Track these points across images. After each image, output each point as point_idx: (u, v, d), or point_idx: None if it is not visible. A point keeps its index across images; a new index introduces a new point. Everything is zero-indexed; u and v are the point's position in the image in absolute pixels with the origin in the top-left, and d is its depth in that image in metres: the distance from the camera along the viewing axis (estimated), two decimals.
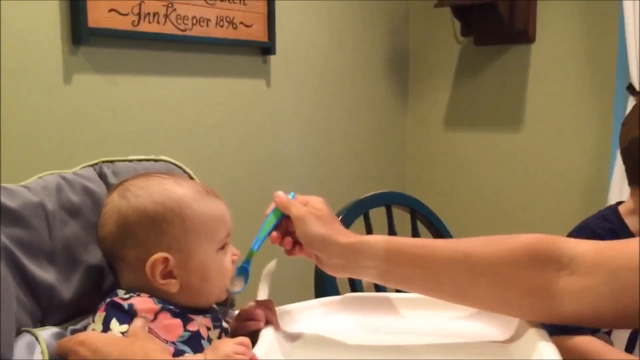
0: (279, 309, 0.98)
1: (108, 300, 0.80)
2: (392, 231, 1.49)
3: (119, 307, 0.78)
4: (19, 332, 0.75)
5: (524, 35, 2.52)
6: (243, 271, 0.91)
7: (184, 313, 0.83)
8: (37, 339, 0.72)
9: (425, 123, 2.85)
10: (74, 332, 0.82)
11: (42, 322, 0.81)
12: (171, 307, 0.82)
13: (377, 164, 2.78)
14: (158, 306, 0.80)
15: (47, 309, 0.82)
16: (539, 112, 2.57)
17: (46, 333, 0.78)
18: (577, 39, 2.45)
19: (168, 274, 0.82)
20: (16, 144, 1.67)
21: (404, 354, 0.89)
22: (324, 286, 1.25)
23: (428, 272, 0.87)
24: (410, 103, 2.90)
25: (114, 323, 0.76)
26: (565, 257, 0.80)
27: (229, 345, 0.74)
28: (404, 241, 0.90)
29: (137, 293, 0.81)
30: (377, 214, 1.48)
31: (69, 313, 0.84)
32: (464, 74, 2.72)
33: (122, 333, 0.75)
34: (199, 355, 0.75)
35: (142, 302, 0.80)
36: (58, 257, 0.84)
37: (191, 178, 1.00)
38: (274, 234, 0.93)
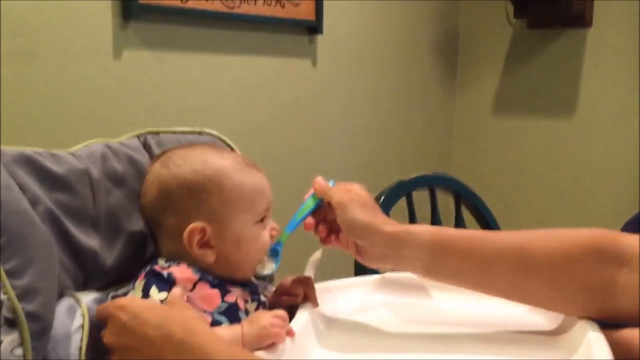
0: (318, 286, 0.97)
1: (148, 268, 0.81)
2: (435, 215, 1.47)
3: (158, 275, 0.79)
4: (61, 295, 0.76)
5: (580, 19, 2.43)
6: (274, 253, 0.90)
7: (222, 284, 0.83)
8: (78, 302, 0.72)
9: (473, 107, 2.79)
10: (114, 298, 0.83)
11: (84, 287, 0.82)
12: (209, 277, 0.82)
13: (422, 148, 2.74)
14: (196, 276, 0.81)
15: (90, 274, 0.83)
16: (592, 99, 2.49)
17: (87, 297, 0.79)
18: (635, 24, 2.35)
19: (205, 244, 0.83)
20: (66, 116, 1.70)
21: (443, 345, 0.85)
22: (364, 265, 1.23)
23: (478, 266, 0.82)
24: (458, 86, 2.84)
25: (153, 290, 0.77)
26: (627, 254, 0.77)
27: (266, 317, 0.74)
28: (453, 232, 0.85)
29: (176, 262, 0.82)
30: (420, 198, 1.46)
31: (111, 279, 0.85)
32: (516, 57, 2.65)
33: (161, 300, 0.75)
34: (236, 326, 0.75)
35: (181, 272, 0.80)
36: (102, 224, 0.85)
37: (233, 151, 1.00)
38: (310, 219, 0.91)
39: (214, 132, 1.01)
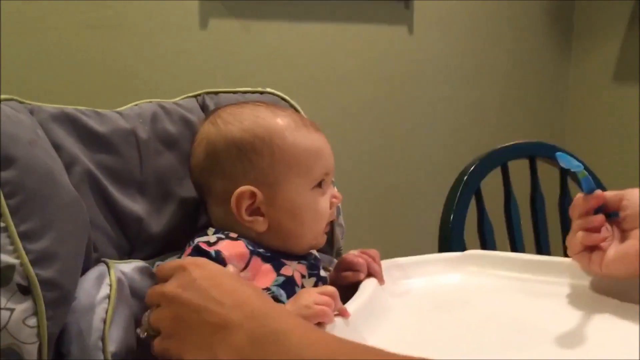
0: (388, 262, 0.87)
1: (196, 242, 0.73)
2: (535, 189, 1.31)
3: (205, 254, 0.70)
4: (98, 263, 0.71)
5: None
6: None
7: (275, 257, 0.75)
8: (108, 270, 0.66)
9: (590, 75, 2.54)
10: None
11: (129, 256, 0.77)
12: (261, 250, 0.74)
13: (533, 119, 2.52)
14: (248, 249, 0.73)
15: (135, 241, 0.77)
16: None
17: (129, 266, 0.73)
18: None
19: (255, 211, 0.75)
20: (152, 87, 1.69)
21: (518, 345, 0.69)
22: (449, 239, 1.11)
23: None
24: (573, 53, 2.59)
25: None
26: None
27: (310, 294, 0.65)
28: None
29: (225, 233, 0.74)
30: (519, 168, 1.31)
31: (157, 248, 0.79)
32: (638, 23, 2.38)
33: None
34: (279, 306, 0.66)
35: (231, 247, 0.72)
36: (149, 188, 0.79)
37: (297, 112, 0.91)
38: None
39: (277, 92, 0.93)
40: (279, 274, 0.73)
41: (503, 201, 1.28)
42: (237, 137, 0.75)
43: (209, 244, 0.72)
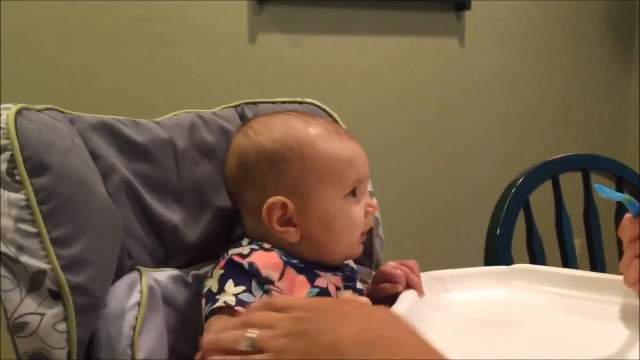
0: (428, 274, 0.85)
1: (230, 255, 0.72)
2: (588, 203, 1.25)
3: (238, 266, 0.70)
4: (131, 271, 0.71)
5: None
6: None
7: (309, 269, 0.73)
8: (140, 277, 0.66)
9: None
10: (195, 277, 0.77)
11: (164, 264, 0.77)
12: (295, 261, 0.73)
13: (592, 132, 2.43)
14: (282, 260, 0.72)
15: (171, 250, 0.77)
16: None
17: (163, 274, 0.73)
18: None
19: (287, 221, 0.74)
20: (203, 100, 1.71)
21: None
22: (495, 253, 1.07)
23: None
24: (635, 61, 2.49)
25: (229, 285, 0.68)
26: None
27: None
28: None
29: (259, 244, 0.74)
30: (571, 181, 1.26)
31: (193, 256, 0.79)
32: None
33: (235, 295, 0.66)
34: None
35: (265, 258, 0.71)
36: (185, 198, 0.80)
37: (336, 122, 0.90)
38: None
39: (316, 102, 0.92)
40: (313, 286, 0.72)
41: (554, 215, 1.23)
42: (267, 147, 0.74)
43: (242, 256, 0.71)
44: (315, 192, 0.73)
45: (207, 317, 0.66)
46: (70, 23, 1.60)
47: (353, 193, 0.76)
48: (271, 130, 0.75)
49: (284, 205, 0.73)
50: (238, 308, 0.64)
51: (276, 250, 0.73)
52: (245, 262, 0.70)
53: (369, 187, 0.89)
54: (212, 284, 0.69)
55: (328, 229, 0.74)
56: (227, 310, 0.65)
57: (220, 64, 1.77)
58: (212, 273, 0.72)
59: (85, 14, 1.61)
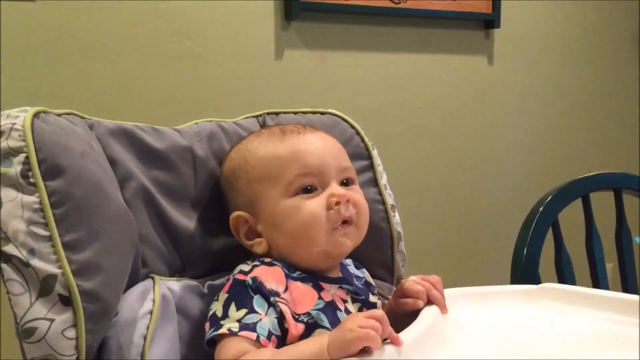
0: (452, 290, 0.82)
1: (236, 274, 0.71)
2: (621, 223, 1.21)
3: (241, 284, 0.68)
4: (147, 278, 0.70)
5: None
6: None
7: (313, 279, 0.72)
8: (153, 286, 0.65)
9: None
10: (211, 287, 0.75)
11: (180, 274, 0.75)
12: (295, 274, 0.72)
13: (624, 152, 2.37)
14: (284, 273, 0.71)
15: (187, 259, 0.76)
16: None
17: (178, 284, 0.72)
18: None
19: (254, 234, 0.74)
20: (228, 116, 1.71)
21: None
22: (522, 271, 1.04)
23: None
24: None
25: (232, 310, 0.66)
26: None
27: (355, 318, 0.60)
28: None
29: (260, 260, 0.73)
30: (602, 200, 1.22)
31: (209, 266, 0.78)
32: None
33: (238, 320, 0.65)
34: (323, 335, 0.62)
35: (267, 272, 0.70)
36: (203, 206, 0.79)
37: (357, 133, 0.89)
38: None
39: (337, 112, 0.91)
40: (319, 298, 0.71)
41: (584, 235, 1.19)
42: (225, 170, 0.79)
43: (244, 272, 0.70)
44: (261, 198, 0.73)
45: (210, 340, 0.66)
46: (101, 36, 1.61)
47: (307, 189, 0.72)
48: (231, 153, 0.79)
49: (245, 220, 0.74)
50: (242, 333, 0.63)
51: (278, 263, 0.72)
52: (248, 278, 0.68)
53: (384, 180, 0.88)
54: (217, 307, 0.68)
55: (281, 230, 0.72)
56: (231, 336, 0.64)
57: (247, 79, 1.76)
58: (218, 296, 0.70)
59: (116, 28, 1.62)
